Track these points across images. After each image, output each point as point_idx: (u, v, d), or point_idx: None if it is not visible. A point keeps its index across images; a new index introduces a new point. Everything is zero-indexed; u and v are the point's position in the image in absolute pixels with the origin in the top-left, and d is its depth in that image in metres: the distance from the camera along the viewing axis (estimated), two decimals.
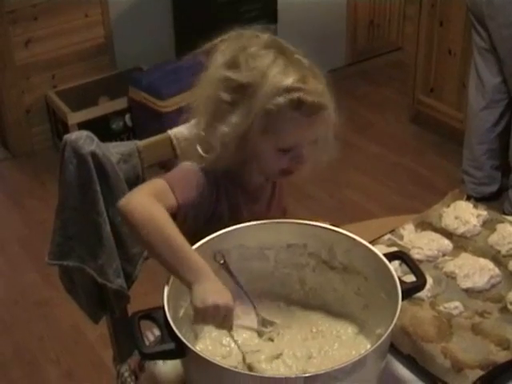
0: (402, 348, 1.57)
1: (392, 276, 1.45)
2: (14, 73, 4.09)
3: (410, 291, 1.47)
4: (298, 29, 4.64)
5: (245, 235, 1.58)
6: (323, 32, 4.80)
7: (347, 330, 1.59)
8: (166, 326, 1.36)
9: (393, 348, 1.54)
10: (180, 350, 1.35)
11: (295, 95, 1.52)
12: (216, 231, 1.57)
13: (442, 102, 4.10)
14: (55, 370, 2.90)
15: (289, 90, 1.52)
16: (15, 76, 4.10)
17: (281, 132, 1.56)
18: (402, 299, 1.40)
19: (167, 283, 1.43)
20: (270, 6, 4.16)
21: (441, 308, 1.67)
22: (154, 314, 1.39)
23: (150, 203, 1.49)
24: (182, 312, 1.48)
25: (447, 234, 1.90)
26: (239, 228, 1.60)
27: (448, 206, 1.99)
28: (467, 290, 1.73)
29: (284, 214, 1.86)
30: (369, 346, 1.49)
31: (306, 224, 1.61)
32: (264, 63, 1.55)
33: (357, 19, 4.90)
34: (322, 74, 1.62)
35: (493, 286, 1.74)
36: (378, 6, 4.95)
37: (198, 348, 1.47)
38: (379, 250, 1.53)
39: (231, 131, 1.57)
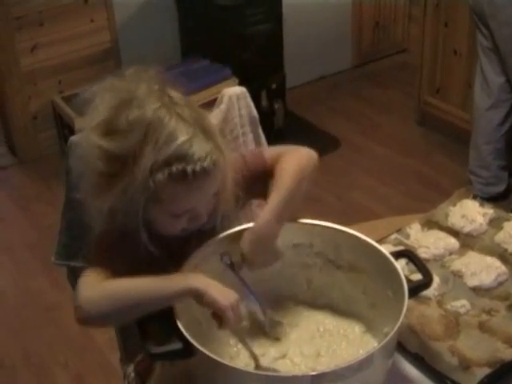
0: (410, 346, 1.57)
1: (398, 274, 1.45)
2: (20, 79, 4.10)
3: (416, 289, 1.47)
4: (304, 31, 4.66)
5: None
6: (329, 34, 4.81)
7: (354, 329, 1.59)
8: (173, 327, 1.37)
9: (400, 346, 1.54)
10: (188, 351, 1.35)
11: (176, 168, 1.38)
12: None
13: (448, 103, 4.10)
14: (64, 373, 2.91)
15: (169, 162, 1.38)
16: (21, 82, 4.11)
17: (167, 204, 1.43)
18: (409, 297, 1.40)
19: None
20: (275, 9, 4.16)
21: (448, 306, 1.67)
22: (162, 314, 1.40)
23: (92, 292, 1.40)
24: (189, 314, 1.48)
25: (454, 232, 1.90)
26: (244, 229, 1.60)
27: (454, 204, 1.99)
28: (474, 289, 1.73)
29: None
30: (376, 345, 1.49)
31: (312, 224, 1.61)
32: (140, 129, 1.38)
33: (362, 21, 4.91)
34: (211, 122, 1.50)
35: (500, 283, 1.74)
36: (383, 8, 4.96)
37: (205, 348, 1.48)
38: (386, 249, 1.54)
39: (113, 206, 1.43)
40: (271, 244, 1.52)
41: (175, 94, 1.46)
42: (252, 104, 2.13)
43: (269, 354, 1.50)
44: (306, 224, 1.61)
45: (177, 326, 1.36)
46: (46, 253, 3.37)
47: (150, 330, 1.38)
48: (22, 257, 3.54)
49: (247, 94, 2.12)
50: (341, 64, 4.96)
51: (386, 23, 5.03)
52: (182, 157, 1.38)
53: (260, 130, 2.18)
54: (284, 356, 1.50)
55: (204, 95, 3.71)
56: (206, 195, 1.48)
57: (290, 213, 1.57)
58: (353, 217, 3.51)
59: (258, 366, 1.47)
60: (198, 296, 1.36)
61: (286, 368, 1.47)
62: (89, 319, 1.41)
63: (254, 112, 2.13)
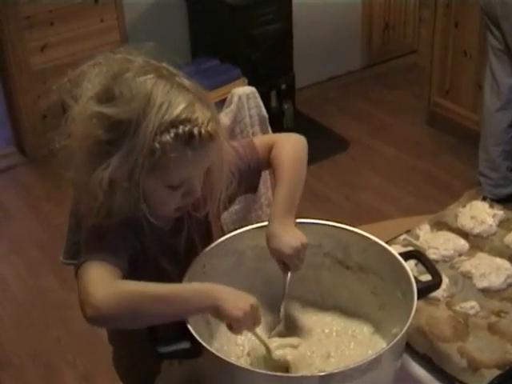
0: (418, 347, 1.57)
1: (408, 275, 1.45)
2: (30, 78, 4.11)
3: (425, 290, 1.47)
4: (314, 32, 4.65)
5: (260, 236, 1.58)
6: (338, 35, 4.80)
7: (363, 330, 1.59)
8: (181, 326, 1.37)
9: (409, 347, 1.54)
10: (196, 350, 1.35)
11: (183, 129, 1.38)
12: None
13: (458, 104, 4.09)
14: (72, 372, 2.91)
15: (174, 124, 1.37)
16: (31, 81, 4.11)
17: (169, 170, 1.41)
18: (418, 298, 1.40)
19: (184, 282, 1.44)
20: (285, 9, 4.16)
21: (457, 308, 1.66)
22: None
23: (107, 291, 1.34)
24: None
25: (463, 233, 1.90)
26: (254, 228, 1.61)
27: (464, 205, 1.98)
28: (483, 290, 1.72)
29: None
30: (385, 346, 1.49)
31: (321, 224, 1.61)
32: (142, 94, 1.37)
33: (372, 22, 4.90)
34: (209, 96, 1.48)
35: (509, 285, 1.73)
36: (393, 9, 4.95)
37: (213, 347, 1.48)
38: (395, 250, 1.53)
39: (113, 174, 1.40)
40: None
41: (172, 68, 1.47)
42: (262, 104, 2.13)
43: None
44: (315, 224, 1.61)
45: (185, 325, 1.36)
46: (54, 252, 3.38)
47: (159, 329, 1.38)
48: (31, 256, 3.55)
49: (257, 94, 2.12)
50: (350, 65, 4.95)
51: (396, 24, 5.02)
52: (186, 119, 1.38)
53: (270, 131, 2.18)
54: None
55: (213, 95, 3.69)
56: (206, 164, 1.48)
57: (296, 201, 1.60)
58: (361, 217, 3.51)
59: (270, 357, 1.47)
60: (214, 313, 1.37)
61: (297, 359, 1.47)
62: (101, 319, 1.35)
63: (264, 112, 2.13)
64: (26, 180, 4.18)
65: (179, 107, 1.38)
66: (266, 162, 1.68)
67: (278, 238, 1.52)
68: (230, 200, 1.68)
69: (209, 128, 1.40)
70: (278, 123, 4.02)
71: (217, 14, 4.13)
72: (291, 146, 1.68)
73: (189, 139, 1.38)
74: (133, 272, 1.45)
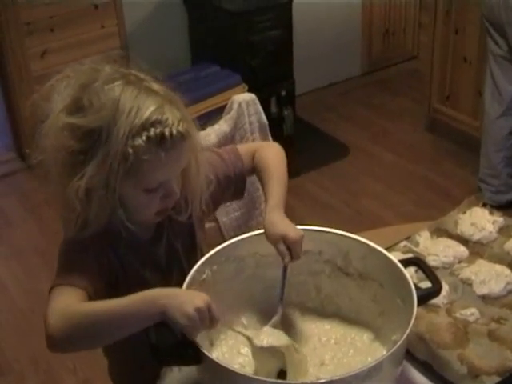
0: (419, 354, 1.57)
1: (407, 282, 1.45)
2: (30, 84, 4.11)
3: (425, 297, 1.47)
4: (313, 38, 4.66)
5: (260, 242, 1.58)
6: (338, 41, 4.81)
7: (362, 337, 1.59)
8: (181, 332, 1.37)
9: (409, 354, 1.54)
10: (196, 357, 1.35)
11: (154, 131, 1.39)
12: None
13: (458, 110, 4.09)
14: (72, 378, 2.91)
15: (145, 127, 1.38)
16: (31, 87, 4.12)
17: (144, 173, 1.42)
18: (418, 305, 1.40)
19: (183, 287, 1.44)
20: (285, 16, 4.16)
21: (457, 314, 1.66)
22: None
23: (59, 317, 1.36)
24: None
25: (463, 240, 1.90)
26: (253, 235, 1.61)
27: (464, 212, 1.99)
28: (483, 297, 1.72)
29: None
30: (385, 353, 1.49)
31: (321, 231, 1.61)
32: (111, 101, 1.39)
33: (372, 28, 4.91)
34: (178, 98, 1.48)
35: (509, 292, 1.73)
36: (393, 15, 4.96)
37: (213, 355, 1.48)
38: (395, 257, 1.54)
39: (89, 183, 1.40)
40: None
41: (140, 74, 1.48)
42: (262, 111, 2.14)
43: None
44: (315, 231, 1.61)
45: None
46: (55, 257, 3.39)
47: (159, 336, 1.38)
48: (31, 262, 3.54)
49: (257, 101, 2.13)
50: (350, 71, 4.96)
51: (396, 30, 5.03)
52: (157, 121, 1.39)
53: (270, 137, 2.19)
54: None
55: (213, 101, 3.71)
56: (181, 165, 1.48)
57: (285, 198, 1.62)
58: (361, 224, 3.51)
59: (253, 346, 1.48)
60: (164, 319, 1.33)
61: (294, 364, 1.47)
62: (58, 345, 1.38)
63: (264, 119, 2.14)
64: (25, 186, 4.17)
65: (148, 110, 1.39)
66: (249, 169, 1.72)
67: (280, 224, 1.52)
68: (215, 204, 1.70)
69: (180, 128, 1.42)
70: (277, 130, 4.02)
71: (217, 20, 4.13)
72: (273, 151, 1.73)
73: (161, 141, 1.39)
74: (114, 287, 1.47)
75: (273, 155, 1.70)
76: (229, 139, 2.08)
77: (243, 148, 1.75)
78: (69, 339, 1.36)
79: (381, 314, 1.56)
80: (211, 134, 2.04)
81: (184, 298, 1.34)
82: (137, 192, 1.45)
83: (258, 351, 1.47)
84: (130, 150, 1.38)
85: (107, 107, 1.39)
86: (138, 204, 1.48)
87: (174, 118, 1.42)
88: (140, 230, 1.55)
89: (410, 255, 1.77)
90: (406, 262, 1.54)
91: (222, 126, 2.07)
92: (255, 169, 1.70)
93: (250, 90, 3.79)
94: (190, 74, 3.93)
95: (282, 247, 1.51)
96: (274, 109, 4.13)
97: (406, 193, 3.87)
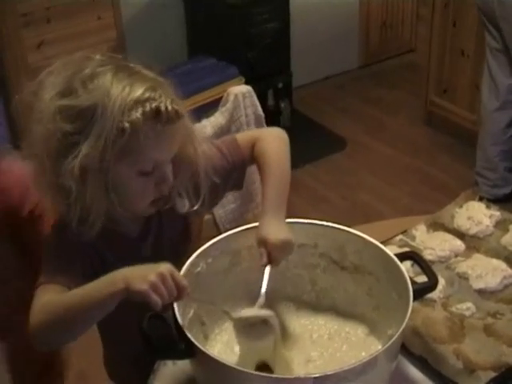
0: (414, 349, 1.56)
1: (403, 276, 1.44)
2: (27, 75, 4.09)
3: (421, 291, 1.46)
4: (311, 30, 4.65)
5: (254, 236, 1.57)
6: (335, 33, 4.80)
7: (357, 331, 1.58)
8: (175, 326, 1.36)
9: (404, 349, 1.53)
10: (189, 351, 1.34)
11: (149, 106, 1.39)
12: None
13: (455, 104, 4.08)
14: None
15: (140, 101, 1.39)
16: (28, 79, 4.07)
17: (139, 151, 1.41)
18: (414, 299, 1.39)
19: None
20: (283, 8, 4.15)
21: (453, 309, 1.65)
22: (164, 314, 1.39)
23: (36, 313, 1.37)
24: (191, 312, 1.48)
25: (460, 234, 1.89)
26: (249, 228, 1.60)
27: (460, 206, 1.97)
28: (480, 291, 1.71)
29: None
30: (380, 347, 1.48)
31: (317, 224, 1.60)
32: (104, 81, 1.41)
33: (369, 20, 4.90)
34: (169, 83, 1.48)
35: (505, 286, 1.72)
36: (390, 7, 4.94)
37: (208, 348, 1.47)
38: (391, 251, 1.53)
39: (84, 162, 1.39)
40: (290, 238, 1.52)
41: (130, 62, 1.49)
42: (258, 103, 2.13)
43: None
44: (311, 224, 1.60)
45: (179, 325, 1.35)
46: None
47: (152, 329, 1.37)
48: None
49: (253, 93, 2.12)
50: (347, 63, 4.95)
51: (394, 23, 5.01)
52: (150, 98, 1.40)
53: None
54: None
55: (210, 94, 3.70)
56: (173, 147, 1.48)
57: (286, 196, 1.60)
58: (358, 217, 3.51)
59: (231, 318, 1.48)
60: (127, 294, 1.31)
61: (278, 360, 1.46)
62: (39, 341, 1.40)
63: (260, 111, 2.13)
64: None
65: (142, 88, 1.40)
66: (249, 159, 1.69)
67: (267, 227, 1.51)
68: (215, 198, 1.68)
69: (174, 106, 1.42)
70: (274, 122, 4.00)
71: (214, 12, 4.12)
72: (274, 142, 1.69)
73: (156, 115, 1.40)
74: None
75: (272, 147, 1.66)
76: (225, 131, 2.07)
77: (243, 138, 1.72)
78: (49, 333, 1.38)
79: (376, 308, 1.55)
80: (207, 126, 2.03)
81: (145, 268, 1.32)
82: (132, 175, 1.44)
83: (240, 330, 1.46)
84: (127, 125, 1.38)
85: (100, 86, 1.40)
86: (133, 190, 1.47)
87: (167, 97, 1.43)
88: (127, 225, 1.54)
89: (406, 249, 1.76)
90: (402, 256, 1.53)
91: (217, 118, 2.06)
92: (255, 161, 1.68)
93: (246, 83, 3.78)
94: (186, 66, 3.92)
95: (261, 250, 1.50)
96: (270, 101, 4.13)
97: (402, 186, 3.87)
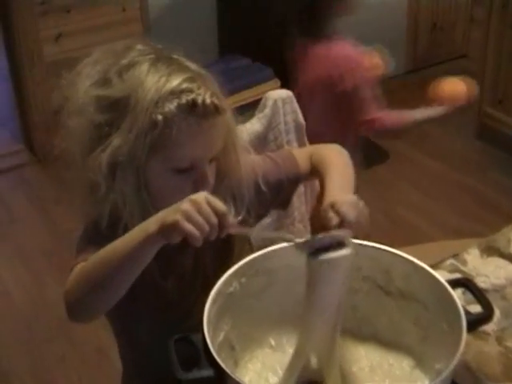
0: None
1: (455, 305, 1.43)
2: (42, 69, 4.14)
3: (475, 323, 1.45)
4: (354, 30, 4.63)
5: (293, 254, 1.56)
6: (381, 35, 4.76)
7: (402, 364, 1.57)
8: (204, 351, 1.36)
9: None
10: (219, 378, 1.34)
11: (185, 98, 1.41)
12: None
13: (511, 115, 4.07)
14: None
15: (176, 92, 1.41)
16: (44, 73, 4.14)
17: (173, 146, 1.43)
18: (467, 331, 1.39)
19: (208, 301, 1.43)
20: None
21: (508, 344, 1.65)
22: (192, 337, 1.39)
23: (69, 279, 1.39)
24: (222, 336, 1.49)
25: None
26: (286, 246, 1.60)
27: None
28: None
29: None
30: (427, 383, 1.48)
31: (362, 244, 1.59)
32: (141, 71, 1.44)
33: (418, 22, 4.90)
34: (212, 77, 1.51)
35: None
36: (442, 8, 4.94)
37: (238, 376, 1.47)
38: (440, 276, 1.52)
39: (113, 157, 1.42)
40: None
41: (173, 53, 1.52)
42: (299, 110, 2.13)
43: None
44: (356, 244, 1.60)
45: (208, 349, 1.36)
46: (62, 260, 3.40)
47: (178, 353, 1.38)
48: (37, 264, 3.57)
49: (293, 99, 2.12)
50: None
51: (445, 25, 5.01)
52: (187, 89, 1.42)
53: (306, 138, 2.18)
54: None
55: (242, 97, 3.71)
56: (212, 144, 1.48)
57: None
58: (399, 236, 3.50)
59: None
60: (162, 234, 1.29)
61: None
62: (77, 312, 1.41)
63: (301, 118, 2.13)
64: (34, 180, 4.21)
65: (179, 78, 1.43)
66: (305, 173, 1.70)
67: (333, 195, 1.50)
68: (261, 210, 1.69)
69: (214, 99, 1.43)
70: None
71: (250, 7, 4.14)
72: (333, 151, 1.70)
73: (192, 108, 1.41)
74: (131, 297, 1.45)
75: (334, 154, 1.67)
76: (261, 139, 2.07)
77: (299, 151, 1.75)
78: (83, 297, 1.37)
79: (423, 338, 1.55)
80: (242, 133, 2.04)
81: (177, 204, 1.30)
82: (166, 173, 1.46)
83: (315, 269, 1.40)
84: (160, 117, 1.40)
85: (136, 76, 1.44)
86: (167, 188, 1.47)
87: (206, 90, 1.44)
88: None
89: (457, 275, 1.76)
90: (454, 283, 1.52)
91: (254, 125, 2.07)
92: (312, 169, 1.67)
93: (282, 86, 3.79)
94: (217, 65, 3.94)
95: (330, 214, 1.44)
96: None
97: (449, 204, 3.85)
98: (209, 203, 1.28)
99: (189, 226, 1.26)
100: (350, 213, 1.45)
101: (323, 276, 1.38)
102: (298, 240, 1.39)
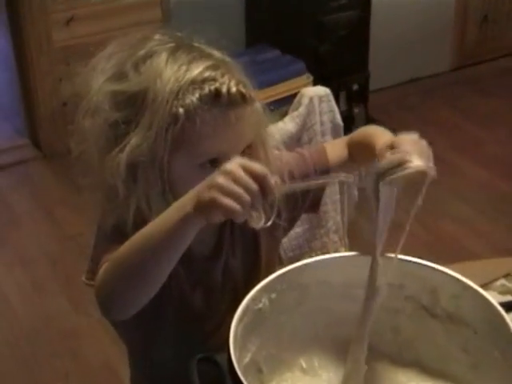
0: None
1: (509, 330, 1.43)
2: (51, 56, 4.15)
3: None
4: (395, 23, 4.65)
5: (329, 269, 1.57)
6: (425, 28, 4.79)
7: None
8: (230, 372, 1.37)
9: None
10: None
11: (208, 88, 1.40)
12: None
13: None
14: None
15: (198, 82, 1.41)
16: (52, 60, 4.15)
17: (198, 140, 1.42)
18: None
19: (235, 318, 1.43)
20: None
21: None
22: (216, 358, 1.40)
23: (103, 272, 1.38)
24: (248, 357, 1.49)
25: None
26: (322, 260, 1.60)
27: None
28: None
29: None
30: None
31: (406, 260, 1.59)
32: (159, 61, 1.44)
33: (467, 14, 4.90)
34: (238, 65, 1.51)
35: None
36: None
37: None
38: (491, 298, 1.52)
39: (132, 157, 1.42)
40: None
41: (195, 41, 1.52)
42: (337, 109, 2.13)
43: None
44: (399, 260, 1.60)
45: (234, 370, 1.36)
46: (68, 267, 3.43)
47: (200, 374, 1.38)
48: (40, 271, 3.57)
49: (331, 97, 2.12)
50: (437, 65, 4.95)
51: (497, 17, 5.00)
52: (210, 78, 1.42)
53: None
54: None
55: (271, 92, 3.70)
56: (239, 136, 1.47)
57: None
58: (442, 253, 3.48)
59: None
60: (199, 213, 1.26)
61: None
62: (108, 305, 1.39)
63: (339, 119, 2.13)
64: (38, 178, 4.22)
65: (200, 67, 1.43)
66: (338, 162, 1.69)
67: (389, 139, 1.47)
68: (292, 212, 1.68)
69: (240, 87, 1.43)
70: (346, 131, 4.01)
71: None
72: (379, 129, 1.64)
73: (216, 98, 1.41)
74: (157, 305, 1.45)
75: (381, 129, 1.62)
76: (294, 140, 2.07)
77: (334, 141, 1.77)
78: (119, 289, 1.36)
79: (473, 366, 1.54)
80: (274, 134, 2.04)
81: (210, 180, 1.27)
82: (191, 169, 1.44)
83: None
84: (181, 110, 1.39)
85: (153, 67, 1.44)
86: (190, 185, 1.40)
87: (230, 77, 1.43)
88: (199, 245, 1.54)
89: (508, 297, 1.75)
90: (508, 306, 1.52)
91: (287, 125, 2.06)
92: (352, 149, 1.66)
93: (315, 82, 3.80)
94: (244, 57, 3.93)
95: (389, 155, 1.42)
96: (343, 106, 4.14)
97: (498, 218, 3.84)
98: (245, 169, 1.24)
99: (227, 201, 1.22)
100: (412, 149, 1.43)
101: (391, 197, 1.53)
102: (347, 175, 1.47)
